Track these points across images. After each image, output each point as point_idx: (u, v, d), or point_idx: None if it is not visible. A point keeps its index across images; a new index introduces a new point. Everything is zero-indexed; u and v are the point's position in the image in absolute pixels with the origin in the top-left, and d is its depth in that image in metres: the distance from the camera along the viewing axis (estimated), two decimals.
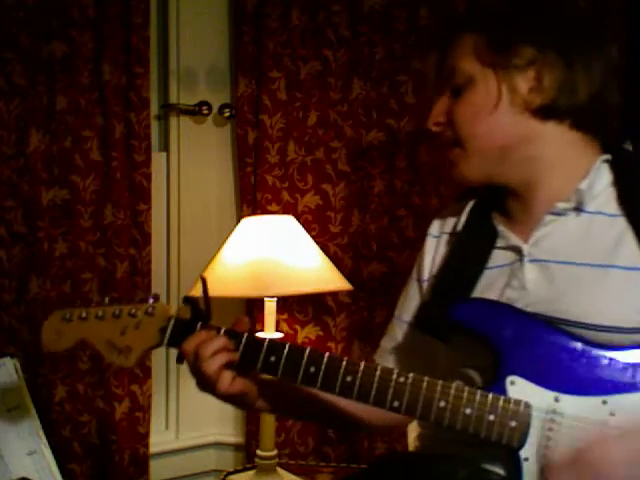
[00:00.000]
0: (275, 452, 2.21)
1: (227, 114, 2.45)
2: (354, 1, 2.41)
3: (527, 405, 1.08)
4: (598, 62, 1.18)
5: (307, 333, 2.44)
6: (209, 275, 2.18)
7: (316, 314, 2.44)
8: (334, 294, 2.39)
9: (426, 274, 1.34)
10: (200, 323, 1.23)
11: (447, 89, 1.25)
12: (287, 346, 1.19)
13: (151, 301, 1.27)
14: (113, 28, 2.16)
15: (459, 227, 1.31)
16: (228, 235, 2.23)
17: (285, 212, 2.37)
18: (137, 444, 2.25)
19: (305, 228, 2.28)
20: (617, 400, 1.07)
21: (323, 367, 1.16)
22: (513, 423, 1.07)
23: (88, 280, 2.16)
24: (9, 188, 2.07)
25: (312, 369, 1.16)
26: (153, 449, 2.31)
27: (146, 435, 2.28)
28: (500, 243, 1.24)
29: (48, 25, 2.09)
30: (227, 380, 1.18)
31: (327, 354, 1.17)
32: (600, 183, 1.19)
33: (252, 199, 2.41)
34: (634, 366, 1.08)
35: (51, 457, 1.81)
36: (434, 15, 2.38)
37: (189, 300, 1.26)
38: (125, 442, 2.22)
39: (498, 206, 1.27)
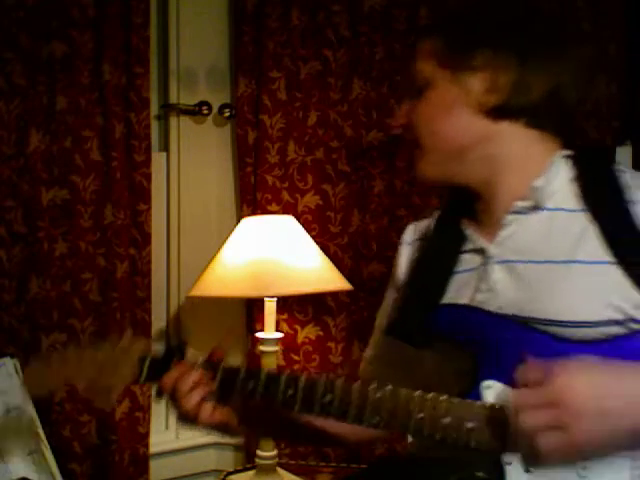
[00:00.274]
0: (275, 452, 2.21)
1: (227, 114, 2.45)
2: (354, 1, 2.41)
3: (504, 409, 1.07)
4: (553, 62, 1.19)
5: (307, 333, 2.44)
6: (209, 275, 2.18)
7: (316, 314, 2.44)
8: (334, 294, 2.39)
9: (401, 281, 1.35)
10: (176, 358, 1.24)
11: (411, 92, 1.27)
12: (263, 371, 1.19)
13: (127, 339, 1.27)
14: (113, 28, 2.16)
15: (429, 233, 1.33)
16: (228, 235, 2.23)
17: (285, 212, 2.37)
18: (137, 444, 2.25)
19: (305, 228, 2.28)
20: None
21: (301, 387, 1.15)
22: (492, 428, 1.06)
23: (88, 280, 2.16)
24: (9, 188, 2.07)
25: (290, 391, 1.16)
26: (153, 449, 2.31)
27: (146, 435, 2.27)
28: (468, 246, 1.25)
29: (48, 25, 2.09)
30: (207, 413, 1.19)
31: (304, 376, 1.17)
32: (558, 179, 1.19)
33: (252, 199, 2.41)
34: (607, 359, 1.06)
35: (51, 457, 1.82)
36: (434, 15, 2.38)
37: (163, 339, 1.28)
38: (125, 442, 2.22)
39: (467, 210, 1.27)
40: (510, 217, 1.20)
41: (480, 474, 1.10)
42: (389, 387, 1.11)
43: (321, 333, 2.44)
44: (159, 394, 1.23)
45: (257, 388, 1.18)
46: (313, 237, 2.28)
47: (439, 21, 1.30)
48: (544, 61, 1.18)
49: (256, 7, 2.37)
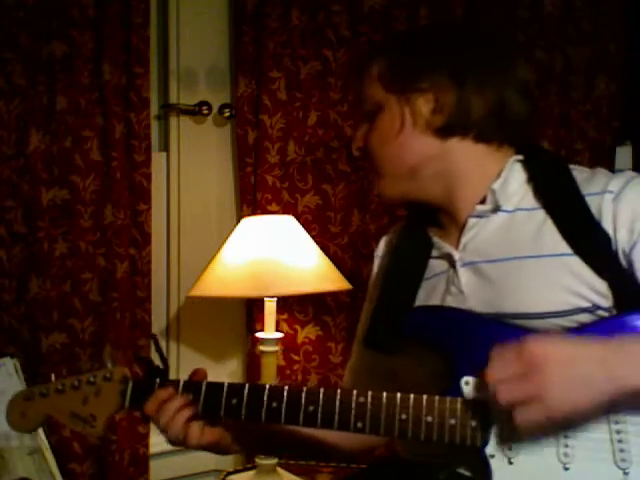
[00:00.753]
0: None
1: (227, 114, 2.45)
2: (354, 1, 2.41)
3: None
4: (492, 81, 1.22)
5: (307, 333, 2.44)
6: (209, 275, 2.18)
7: (316, 314, 2.44)
8: (334, 294, 2.39)
9: (374, 293, 1.38)
10: (158, 380, 1.24)
11: (365, 116, 1.31)
12: (246, 386, 1.20)
13: (109, 366, 1.27)
14: (113, 28, 2.16)
15: (397, 243, 1.36)
16: (228, 235, 2.23)
17: (285, 212, 2.37)
18: (137, 444, 2.25)
19: (305, 228, 2.28)
20: None
21: (285, 400, 1.16)
22: (473, 423, 1.09)
23: (88, 280, 2.16)
24: (9, 188, 2.07)
25: (274, 404, 1.17)
26: (153, 449, 2.30)
27: (146, 435, 2.27)
28: (435, 253, 1.29)
29: (48, 25, 2.08)
30: (196, 433, 1.20)
31: (287, 387, 1.18)
32: (514, 182, 1.23)
33: (252, 199, 2.41)
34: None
35: (51, 457, 1.81)
36: (434, 15, 2.38)
37: (143, 359, 1.29)
38: (125, 442, 2.22)
39: (432, 220, 1.31)
40: (472, 221, 1.24)
41: (467, 474, 1.11)
42: (370, 392, 1.13)
43: (321, 333, 2.44)
44: (145, 418, 1.24)
45: (241, 404, 1.19)
46: (313, 237, 2.28)
47: (382, 46, 1.34)
48: (482, 81, 1.22)
49: (256, 7, 2.37)
